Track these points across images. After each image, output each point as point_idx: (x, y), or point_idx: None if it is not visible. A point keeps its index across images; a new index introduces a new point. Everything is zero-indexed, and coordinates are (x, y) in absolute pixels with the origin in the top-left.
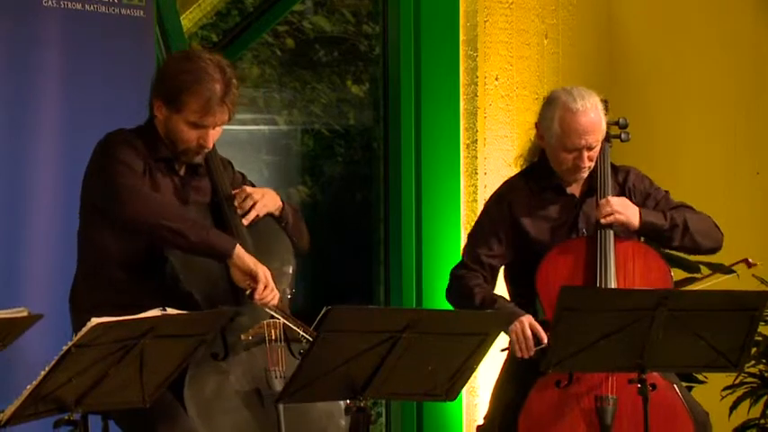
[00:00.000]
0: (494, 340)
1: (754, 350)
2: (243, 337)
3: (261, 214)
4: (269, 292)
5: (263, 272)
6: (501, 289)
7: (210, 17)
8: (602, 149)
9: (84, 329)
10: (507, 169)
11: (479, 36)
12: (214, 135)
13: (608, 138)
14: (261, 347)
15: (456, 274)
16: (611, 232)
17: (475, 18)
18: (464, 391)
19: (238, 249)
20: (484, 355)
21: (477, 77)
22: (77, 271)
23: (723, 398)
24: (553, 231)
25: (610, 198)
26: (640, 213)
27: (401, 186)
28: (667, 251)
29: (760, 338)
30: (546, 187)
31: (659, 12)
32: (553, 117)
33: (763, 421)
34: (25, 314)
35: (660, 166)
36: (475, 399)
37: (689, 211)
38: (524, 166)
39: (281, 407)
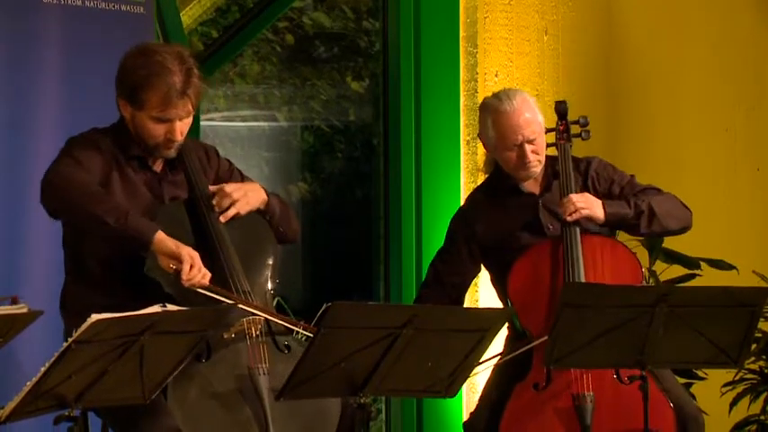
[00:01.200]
0: (493, 337)
1: (753, 347)
2: (225, 335)
3: (242, 212)
4: (196, 271)
5: (187, 252)
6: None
7: (210, 13)
8: (562, 150)
9: (85, 326)
10: None
11: (479, 32)
12: (182, 127)
13: (569, 138)
14: (243, 345)
15: (419, 292)
16: (578, 229)
17: (475, 14)
18: (464, 387)
19: (159, 235)
20: (483, 351)
21: (477, 74)
22: (65, 275)
23: (723, 394)
24: (518, 233)
25: (571, 195)
26: (604, 205)
27: (401, 183)
28: (667, 247)
29: (760, 335)
30: (506, 192)
31: (659, 8)
32: (486, 123)
33: (763, 417)
34: (25, 310)
35: (660, 162)
36: (475, 396)
37: (654, 193)
38: (484, 178)
39: (267, 404)
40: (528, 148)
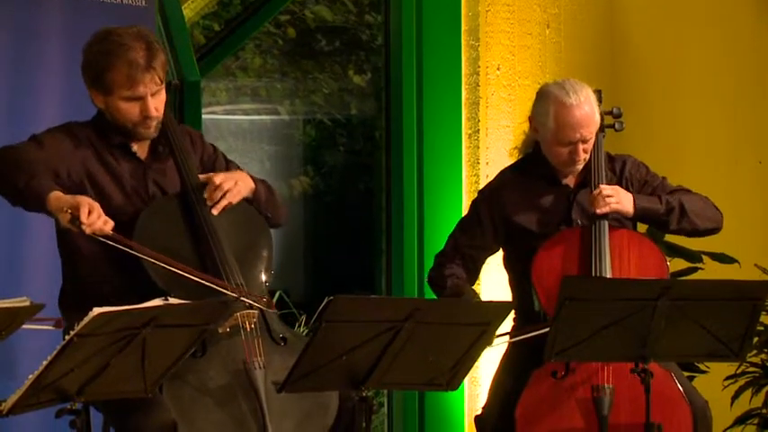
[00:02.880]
0: (496, 330)
1: (755, 340)
2: (220, 330)
3: (234, 201)
4: (95, 217)
5: (85, 199)
6: (502, 279)
7: (212, 6)
8: (595, 140)
9: (87, 319)
10: (509, 159)
11: (481, 26)
12: (156, 103)
13: (602, 128)
14: (238, 339)
15: (436, 261)
16: (606, 222)
17: (477, 7)
18: (466, 380)
19: (54, 193)
20: (485, 345)
21: (479, 67)
22: (63, 271)
23: (725, 387)
24: (547, 222)
25: (602, 187)
26: (634, 200)
27: (403, 176)
28: (669, 241)
29: (762, 328)
30: (540, 178)
31: (661, 0)
32: (547, 112)
33: (765, 411)
34: (27, 304)
35: (662, 155)
36: (477, 389)
37: (686, 193)
38: (519, 158)
39: (263, 398)
40: (581, 146)
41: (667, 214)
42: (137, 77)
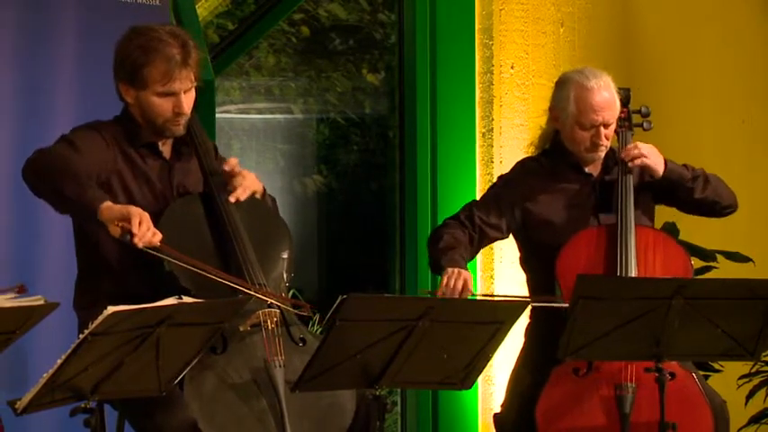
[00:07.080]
0: (509, 329)
1: None
2: (241, 328)
3: (253, 188)
4: (145, 229)
5: (135, 210)
6: (516, 277)
7: (226, 5)
8: (623, 137)
9: (101, 318)
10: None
11: (495, 24)
12: (188, 100)
13: (630, 126)
14: (259, 338)
15: (444, 222)
16: (631, 177)
17: (491, 6)
18: (480, 379)
19: (106, 204)
20: (499, 343)
21: (493, 66)
22: (78, 270)
23: (740, 387)
24: (571, 211)
25: (638, 142)
26: (666, 162)
27: (417, 175)
28: (684, 239)
29: None
30: (563, 167)
31: (675, 0)
32: (568, 97)
33: None
34: (41, 302)
35: (677, 153)
36: (491, 387)
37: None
38: (535, 154)
39: (283, 397)
40: (602, 131)
41: (693, 181)
42: (173, 73)
